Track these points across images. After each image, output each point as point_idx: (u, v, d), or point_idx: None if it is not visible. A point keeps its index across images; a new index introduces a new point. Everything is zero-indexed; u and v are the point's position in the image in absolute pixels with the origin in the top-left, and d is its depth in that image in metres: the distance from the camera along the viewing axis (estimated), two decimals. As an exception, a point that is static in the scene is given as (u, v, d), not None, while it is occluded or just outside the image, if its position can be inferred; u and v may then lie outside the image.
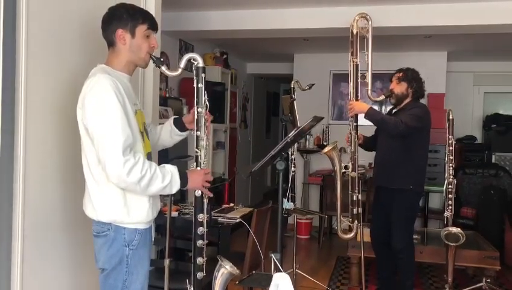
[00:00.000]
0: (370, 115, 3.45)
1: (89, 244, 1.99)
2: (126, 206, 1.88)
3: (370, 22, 3.48)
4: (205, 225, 2.00)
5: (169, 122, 2.22)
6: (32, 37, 2.02)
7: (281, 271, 2.09)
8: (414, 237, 3.74)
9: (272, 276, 2.03)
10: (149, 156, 1.98)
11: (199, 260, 1.99)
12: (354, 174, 3.52)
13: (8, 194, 1.96)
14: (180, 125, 2.20)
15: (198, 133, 1.97)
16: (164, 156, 2.56)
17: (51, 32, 2.16)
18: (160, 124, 2.36)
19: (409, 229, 3.65)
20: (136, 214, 1.90)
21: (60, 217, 2.25)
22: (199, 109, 1.96)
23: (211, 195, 2.01)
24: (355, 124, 3.54)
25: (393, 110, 3.73)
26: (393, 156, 3.55)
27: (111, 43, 1.95)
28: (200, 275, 2.00)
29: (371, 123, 3.56)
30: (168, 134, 2.22)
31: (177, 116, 2.24)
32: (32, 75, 2.03)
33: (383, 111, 5.72)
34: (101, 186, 1.86)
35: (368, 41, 3.48)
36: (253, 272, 2.92)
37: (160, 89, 4.53)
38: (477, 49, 5.98)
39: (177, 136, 2.22)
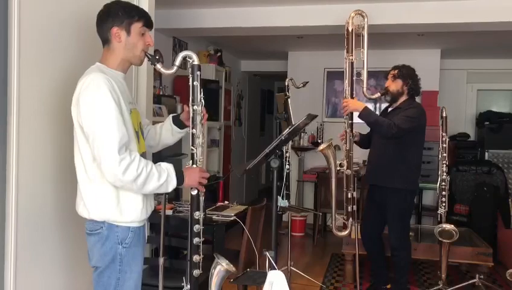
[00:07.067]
0: (364, 115, 3.44)
1: (82, 242, 1.98)
2: (119, 206, 1.87)
3: (366, 19, 3.47)
4: (201, 222, 2.00)
5: (169, 120, 2.21)
6: (24, 36, 2.01)
7: (276, 269, 2.09)
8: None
9: (266, 274, 2.03)
10: (143, 156, 1.95)
11: (195, 258, 1.99)
12: (349, 171, 3.52)
13: (0, 193, 1.94)
14: (178, 123, 2.19)
15: (194, 131, 1.96)
16: (158, 154, 2.55)
17: (44, 31, 2.14)
18: (153, 122, 2.35)
19: (405, 227, 3.66)
20: (129, 213, 1.90)
21: (53, 215, 2.24)
22: (195, 107, 1.95)
23: (203, 190, 2.01)
24: (350, 121, 3.53)
25: (389, 109, 3.72)
26: (388, 155, 3.54)
27: (106, 41, 1.93)
28: (196, 272, 2.00)
29: (365, 121, 3.55)
30: (169, 133, 2.22)
31: (175, 114, 2.23)
32: (25, 74, 2.02)
33: (377, 108, 5.74)
34: (94, 184, 1.85)
35: (364, 38, 3.47)
36: (248, 269, 2.92)
37: (154, 86, 4.51)
38: (471, 46, 6.00)
39: (178, 133, 2.22)
